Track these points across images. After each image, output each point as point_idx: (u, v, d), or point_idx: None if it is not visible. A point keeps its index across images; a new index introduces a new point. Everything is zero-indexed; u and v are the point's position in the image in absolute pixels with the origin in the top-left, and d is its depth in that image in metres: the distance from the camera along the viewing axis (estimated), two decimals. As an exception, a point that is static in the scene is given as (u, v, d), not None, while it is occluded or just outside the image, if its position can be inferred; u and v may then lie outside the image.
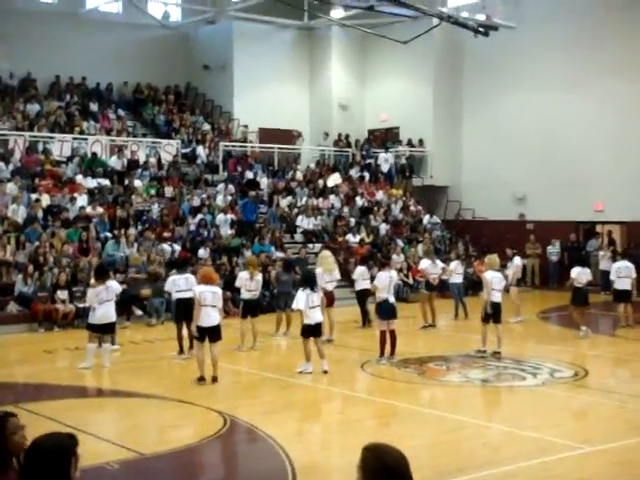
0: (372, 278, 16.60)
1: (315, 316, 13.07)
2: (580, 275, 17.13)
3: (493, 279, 14.95)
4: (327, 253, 17.42)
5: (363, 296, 18.24)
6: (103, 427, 10.31)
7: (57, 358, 15.36)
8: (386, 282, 14.22)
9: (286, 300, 17.17)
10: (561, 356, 15.41)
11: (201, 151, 27.63)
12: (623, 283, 18.00)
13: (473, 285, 23.36)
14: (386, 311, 14.17)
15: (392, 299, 14.33)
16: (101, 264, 16.52)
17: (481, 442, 9.49)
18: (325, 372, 13.09)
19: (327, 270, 16.37)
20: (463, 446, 9.11)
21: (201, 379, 12.39)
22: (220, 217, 23.65)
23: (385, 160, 30.04)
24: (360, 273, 18.31)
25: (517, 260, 19.96)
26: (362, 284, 18.09)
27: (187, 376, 13.25)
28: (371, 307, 18.23)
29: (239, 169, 27.44)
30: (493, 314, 14.90)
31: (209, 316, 12.34)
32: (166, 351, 14.97)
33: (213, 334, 12.46)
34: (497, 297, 14.95)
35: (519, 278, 19.88)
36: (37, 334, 17.55)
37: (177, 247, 21.79)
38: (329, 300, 15.62)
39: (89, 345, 13.75)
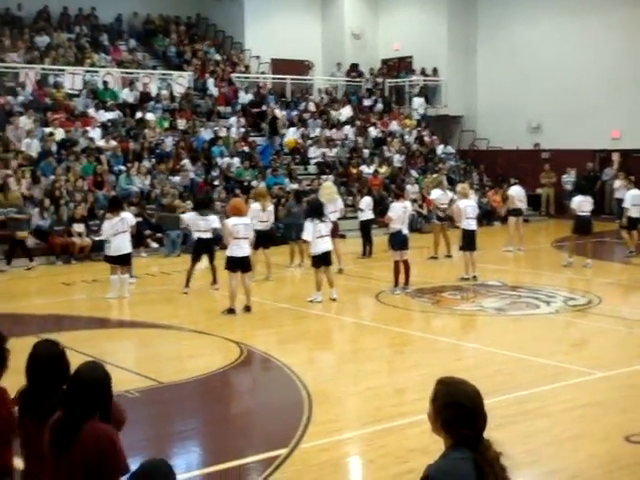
0: (384, 209, 16.56)
1: (323, 246, 13.18)
2: (582, 204, 16.87)
3: (467, 208, 15.27)
4: (328, 184, 17.35)
5: (367, 226, 18.31)
6: (121, 356, 10.48)
7: (75, 290, 15.54)
8: (400, 213, 14.23)
9: (297, 231, 17.24)
10: (575, 284, 15.50)
11: (211, 83, 27.33)
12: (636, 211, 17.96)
13: (487, 215, 23.44)
14: (399, 242, 14.21)
15: (406, 230, 14.35)
16: (115, 196, 16.65)
17: (494, 369, 9.60)
18: (333, 300, 13.26)
19: (329, 200, 16.19)
20: (476, 373, 9.19)
21: (231, 311, 12.52)
22: (235, 160, 23.48)
23: (420, 105, 29.55)
24: (366, 203, 18.33)
25: (513, 189, 19.79)
26: (367, 214, 18.18)
27: (204, 307, 13.45)
28: (376, 238, 18.40)
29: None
30: (468, 241, 15.18)
31: (241, 248, 12.47)
32: (182, 283, 15.10)
33: (245, 265, 12.60)
34: (471, 225, 15.27)
35: (516, 208, 19.53)
36: (55, 267, 17.74)
37: (192, 179, 21.71)
38: (332, 231, 15.62)
39: (112, 277, 14.14)
